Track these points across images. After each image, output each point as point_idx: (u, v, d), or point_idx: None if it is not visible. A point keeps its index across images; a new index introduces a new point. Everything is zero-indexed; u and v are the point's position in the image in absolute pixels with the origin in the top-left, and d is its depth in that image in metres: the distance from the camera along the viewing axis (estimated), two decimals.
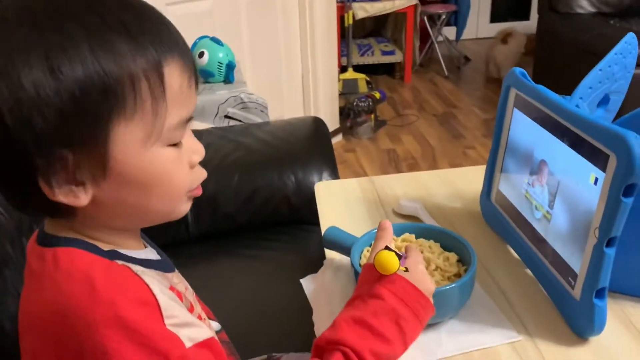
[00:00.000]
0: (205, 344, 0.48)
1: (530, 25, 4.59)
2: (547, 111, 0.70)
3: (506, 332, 0.67)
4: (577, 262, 0.64)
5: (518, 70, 0.79)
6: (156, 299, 0.47)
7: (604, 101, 0.76)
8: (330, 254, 0.84)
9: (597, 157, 0.61)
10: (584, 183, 0.63)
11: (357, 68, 3.70)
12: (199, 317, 0.59)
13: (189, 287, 0.63)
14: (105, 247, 0.51)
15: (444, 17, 4.05)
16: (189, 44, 1.75)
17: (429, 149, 2.97)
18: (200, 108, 1.61)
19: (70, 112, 0.43)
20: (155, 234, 1.39)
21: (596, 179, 0.61)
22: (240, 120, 1.64)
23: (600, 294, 0.62)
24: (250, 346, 0.98)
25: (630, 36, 0.75)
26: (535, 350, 0.64)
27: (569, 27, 2.85)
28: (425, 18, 4.03)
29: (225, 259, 1.32)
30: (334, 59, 2.89)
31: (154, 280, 0.48)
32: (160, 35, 0.48)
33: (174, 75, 0.48)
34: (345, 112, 3.12)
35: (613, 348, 0.64)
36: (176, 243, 1.39)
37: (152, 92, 0.46)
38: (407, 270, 0.60)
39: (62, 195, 0.46)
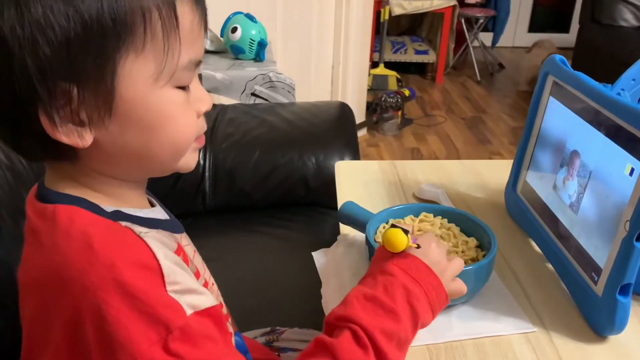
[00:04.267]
0: (206, 312, 0.46)
1: (568, 38, 4.51)
2: (585, 99, 0.67)
3: (520, 322, 0.64)
4: (603, 257, 0.61)
5: (558, 57, 0.75)
6: (159, 263, 0.44)
7: None
8: (344, 230, 0.82)
9: (635, 147, 0.57)
10: (618, 173, 0.60)
11: (389, 65, 3.66)
12: (205, 284, 0.56)
13: (197, 251, 0.60)
14: (109, 206, 0.48)
15: (481, 21, 3.99)
16: (223, 18, 1.75)
17: (453, 151, 2.93)
18: (228, 83, 1.60)
19: (77, 40, 0.41)
20: (173, 204, 1.38)
21: (632, 170, 0.58)
22: (266, 99, 1.63)
23: (624, 290, 0.59)
24: (255, 318, 0.97)
25: None
26: (550, 344, 0.61)
27: (610, 39, 2.78)
28: (463, 20, 3.98)
29: (239, 234, 1.30)
30: (366, 53, 2.86)
31: (157, 243, 0.46)
32: None
33: (185, 11, 0.46)
34: (372, 107, 3.09)
35: (632, 350, 0.61)
36: (193, 214, 1.38)
37: (164, 26, 0.44)
38: (419, 247, 0.57)
39: (64, 135, 0.44)
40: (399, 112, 3.08)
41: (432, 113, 3.42)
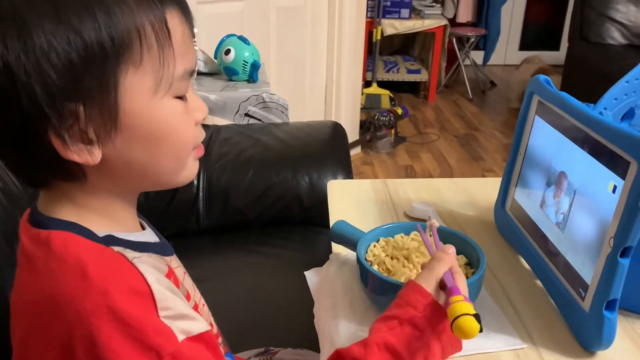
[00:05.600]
0: (199, 338, 0.46)
1: (559, 55, 4.57)
2: (569, 118, 0.69)
3: (510, 339, 0.65)
4: (589, 273, 0.62)
5: (542, 77, 0.77)
6: (151, 289, 0.45)
7: (629, 115, 0.75)
8: (336, 249, 0.82)
9: (617, 164, 0.59)
10: (601, 191, 0.61)
11: (382, 84, 3.70)
12: (195, 306, 0.57)
13: (187, 273, 0.60)
14: (102, 230, 0.49)
15: (472, 40, 4.05)
16: (217, 41, 1.78)
17: (447, 168, 2.95)
18: (222, 104, 1.62)
19: (80, 62, 0.43)
20: (168, 224, 1.40)
21: (615, 187, 0.59)
22: (260, 120, 1.64)
23: (610, 305, 0.60)
24: (248, 338, 0.97)
25: None
26: (539, 359, 0.62)
27: (599, 57, 2.83)
28: (454, 40, 4.03)
29: (232, 253, 1.31)
30: (359, 73, 2.90)
31: (149, 268, 0.47)
32: None
33: (175, 23, 0.48)
34: (365, 126, 3.11)
35: None
36: (186, 234, 1.39)
37: (158, 40, 0.47)
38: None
39: (76, 154, 0.46)
40: (392, 131, 3.10)
41: (425, 131, 3.44)
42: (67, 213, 0.49)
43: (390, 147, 3.11)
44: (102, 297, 0.43)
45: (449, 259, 0.60)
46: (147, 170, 0.50)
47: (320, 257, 1.35)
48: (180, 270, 0.57)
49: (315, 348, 0.92)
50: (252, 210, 1.39)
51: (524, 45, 4.93)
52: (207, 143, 1.45)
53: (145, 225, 0.58)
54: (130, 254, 0.47)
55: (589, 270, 0.63)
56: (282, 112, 1.65)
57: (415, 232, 0.74)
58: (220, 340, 0.63)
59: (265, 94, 1.63)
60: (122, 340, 0.42)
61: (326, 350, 0.67)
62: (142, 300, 0.44)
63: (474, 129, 3.51)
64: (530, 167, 0.80)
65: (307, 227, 1.40)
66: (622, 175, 0.58)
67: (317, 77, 2.70)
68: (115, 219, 0.52)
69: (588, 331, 0.62)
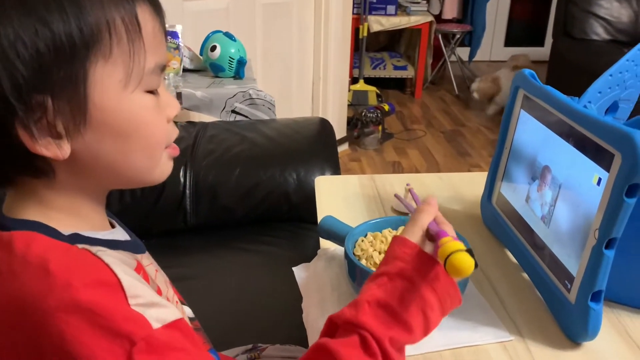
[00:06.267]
0: (175, 325, 0.45)
1: (543, 51, 4.62)
2: (554, 112, 0.69)
3: (498, 331, 0.65)
4: (575, 265, 0.63)
5: (527, 71, 0.78)
6: (118, 279, 0.44)
7: (613, 108, 0.75)
8: (324, 244, 0.82)
9: (601, 157, 0.59)
10: (586, 184, 0.62)
11: (368, 81, 3.70)
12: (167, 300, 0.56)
13: (160, 270, 0.59)
14: (68, 230, 0.48)
15: (458, 36, 4.06)
16: (202, 37, 1.77)
17: (434, 164, 2.96)
18: (208, 101, 1.61)
19: (48, 53, 0.43)
20: (154, 223, 1.39)
21: (599, 180, 0.60)
22: (246, 116, 1.64)
23: (596, 297, 0.60)
24: (236, 336, 0.97)
25: None
26: (526, 352, 0.63)
27: (582, 52, 2.85)
28: (440, 36, 4.05)
29: (220, 251, 1.31)
30: (346, 69, 2.90)
31: (116, 260, 0.46)
32: None
33: (146, 18, 0.48)
34: (353, 122, 3.12)
35: (606, 355, 0.62)
36: (173, 232, 1.38)
37: (128, 33, 0.46)
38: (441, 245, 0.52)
39: (44, 147, 0.45)
40: (380, 127, 3.11)
41: (412, 127, 3.46)
42: (31, 213, 0.48)
43: (378, 144, 3.12)
44: (65, 292, 0.42)
45: (432, 210, 0.58)
46: (116, 166, 0.49)
47: (309, 254, 1.35)
48: (152, 268, 0.56)
49: (304, 344, 0.92)
50: (240, 207, 1.38)
51: (509, 42, 4.96)
52: (194, 140, 1.44)
53: (116, 224, 0.57)
54: (95, 248, 0.47)
55: (574, 263, 0.63)
56: (269, 109, 1.64)
57: (403, 227, 0.74)
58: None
59: (251, 90, 1.63)
60: (91, 332, 0.41)
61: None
62: (109, 290, 0.43)
63: (460, 125, 3.53)
64: (515, 162, 0.80)
65: (295, 224, 1.39)
66: (607, 167, 0.58)
67: (304, 74, 2.70)
68: (82, 217, 0.51)
69: (574, 322, 0.63)
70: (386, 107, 3.14)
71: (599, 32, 2.91)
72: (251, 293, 1.13)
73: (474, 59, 4.37)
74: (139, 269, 0.51)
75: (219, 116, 1.63)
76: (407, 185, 0.70)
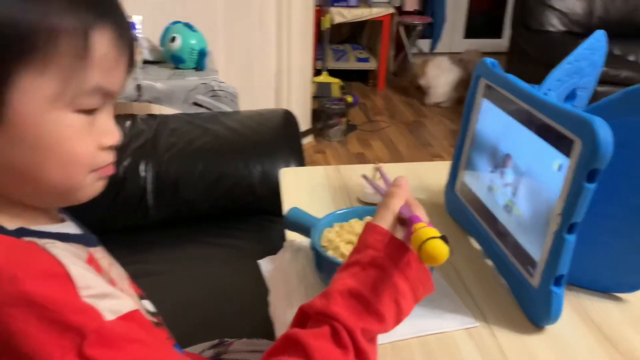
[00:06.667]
0: (130, 317, 0.44)
1: (501, 43, 4.72)
2: (515, 100, 0.70)
3: (463, 318, 0.66)
4: (538, 251, 0.64)
5: (489, 60, 0.79)
6: (66, 270, 0.42)
7: (571, 97, 0.77)
8: (290, 236, 0.82)
9: (562, 143, 0.61)
10: (548, 170, 0.63)
11: (332, 73, 3.69)
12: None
13: (115, 264, 0.57)
14: (12, 225, 0.46)
15: (419, 28, 4.10)
16: (162, 28, 1.72)
17: (397, 155, 2.99)
18: (169, 93, 1.58)
19: None
20: (115, 219, 1.35)
21: (560, 166, 0.61)
22: (209, 108, 1.61)
23: (558, 281, 0.61)
24: (202, 331, 0.95)
25: (599, 33, 0.76)
26: (491, 337, 0.64)
27: (539, 43, 2.92)
28: (402, 28, 4.07)
29: (184, 246, 1.28)
30: (309, 61, 2.88)
31: (65, 252, 0.44)
32: (102, 2, 0.46)
33: (102, 42, 0.45)
34: (317, 114, 3.11)
35: (569, 338, 0.63)
36: (135, 228, 1.35)
37: (72, 52, 0.43)
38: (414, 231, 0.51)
39: None
40: (343, 119, 3.11)
41: (375, 119, 3.47)
42: None
43: (342, 136, 3.12)
44: (11, 285, 0.40)
45: (403, 192, 0.56)
46: (30, 177, 0.46)
47: (275, 246, 1.34)
48: (105, 261, 0.54)
49: (271, 337, 0.91)
50: (204, 201, 1.36)
51: (469, 34, 5.03)
52: (154, 134, 1.41)
53: (66, 218, 0.55)
54: (42, 241, 0.45)
55: (537, 249, 0.64)
56: (232, 101, 1.62)
57: (369, 217, 0.74)
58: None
59: (214, 82, 1.60)
60: (39, 324, 0.39)
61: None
62: (57, 282, 0.41)
63: (422, 116, 3.56)
64: (478, 150, 0.81)
65: (260, 217, 1.38)
66: (567, 153, 0.59)
67: (266, 66, 2.67)
68: (28, 213, 0.49)
69: (537, 307, 0.64)
70: (350, 99, 3.15)
71: (555, 23, 2.98)
72: (216, 287, 1.11)
73: (435, 51, 4.42)
74: (91, 261, 0.49)
75: (181, 108, 1.59)
76: (376, 164, 0.69)
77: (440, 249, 0.47)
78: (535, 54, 2.80)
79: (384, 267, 0.52)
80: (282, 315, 0.69)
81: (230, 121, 1.47)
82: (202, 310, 1.03)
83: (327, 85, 3.57)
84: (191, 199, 1.35)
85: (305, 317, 0.51)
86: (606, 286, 0.70)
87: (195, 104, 1.60)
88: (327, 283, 0.68)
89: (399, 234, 0.54)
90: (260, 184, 1.37)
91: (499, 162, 0.74)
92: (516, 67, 3.10)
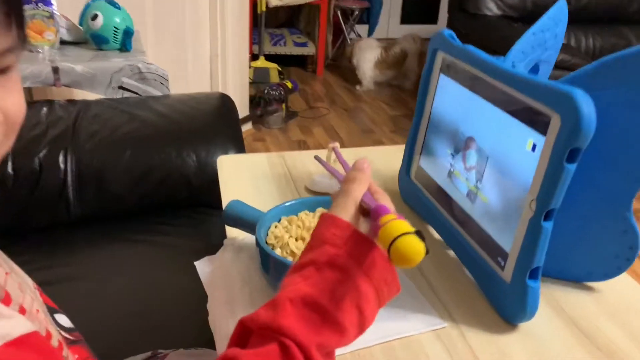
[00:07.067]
0: (21, 341, 0.35)
1: (437, 29, 4.74)
2: (479, 74, 0.63)
3: (429, 318, 0.59)
4: (509, 241, 0.58)
5: (446, 31, 0.72)
6: None
7: (534, 70, 0.71)
8: (231, 233, 0.72)
9: (536, 120, 0.54)
10: (519, 151, 0.57)
11: (269, 58, 3.58)
12: (22, 311, 0.43)
13: (16, 273, 0.47)
14: None
15: (357, 12, 4.04)
16: (81, 5, 1.56)
17: (339, 141, 2.91)
18: (91, 76, 1.42)
19: None
20: (32, 216, 1.20)
21: (534, 145, 0.54)
22: (136, 92, 1.47)
23: (533, 274, 0.55)
24: (132, 343, 0.84)
25: (562, 3, 0.70)
26: (461, 338, 0.57)
27: (478, 27, 2.92)
28: (339, 12, 4.00)
29: (111, 245, 1.15)
30: (245, 45, 2.75)
31: None
32: None
33: None
34: (255, 101, 2.99)
35: (544, 335, 0.58)
36: (55, 225, 1.21)
37: None
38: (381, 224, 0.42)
39: None
40: (283, 105, 3.01)
41: (315, 105, 3.39)
42: None
43: (282, 122, 3.02)
44: None
45: (365, 177, 0.47)
46: None
47: (215, 243, 1.23)
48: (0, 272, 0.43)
49: (211, 345, 0.82)
50: (132, 195, 1.23)
51: (405, 19, 5.03)
52: (74, 121, 1.26)
53: None
54: None
55: (507, 238, 0.58)
56: (162, 84, 1.49)
57: (322, 209, 0.66)
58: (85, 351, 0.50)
59: (141, 63, 1.46)
60: None
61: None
62: None
63: (362, 102, 3.51)
64: (435, 133, 0.74)
65: (197, 211, 1.27)
66: (543, 131, 0.53)
67: (200, 49, 2.52)
68: None
69: (510, 303, 0.58)
70: (289, 85, 3.05)
71: (491, 7, 2.99)
72: (149, 292, 1.00)
73: (373, 37, 4.38)
74: None
75: (104, 93, 1.45)
76: (331, 143, 0.61)
77: (416, 247, 0.39)
78: (474, 38, 2.79)
79: (345, 268, 0.42)
80: (224, 326, 0.59)
81: (160, 106, 1.34)
82: (132, 319, 0.92)
83: (264, 70, 3.45)
84: (118, 193, 1.22)
85: (246, 333, 0.42)
86: (577, 275, 0.65)
87: (121, 87, 1.46)
88: (275, 287, 0.60)
89: (362, 227, 0.45)
90: (196, 175, 1.26)
91: (461, 144, 0.67)
92: None
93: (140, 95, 1.47)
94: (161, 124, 1.29)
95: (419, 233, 0.40)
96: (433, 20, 5.00)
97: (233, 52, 2.63)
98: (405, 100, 3.53)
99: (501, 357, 0.55)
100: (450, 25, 3.27)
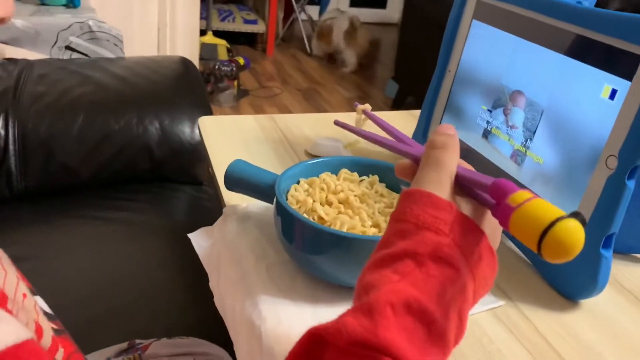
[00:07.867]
0: (15, 353, 0.26)
1: (386, 14, 4.74)
2: (533, 16, 0.55)
3: (485, 297, 0.50)
4: (572, 205, 0.50)
5: None
6: None
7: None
8: (230, 199, 0.61)
9: (616, 62, 0.46)
10: (590, 100, 0.49)
11: (217, 34, 3.40)
12: (4, 301, 0.32)
13: (5, 257, 0.35)
14: None
15: None
16: None
17: None
18: (34, 33, 1.25)
19: None
20: None
21: (613, 92, 0.47)
22: (86, 54, 1.30)
23: (607, 242, 0.48)
24: (102, 332, 0.72)
25: None
26: (521, 316, 0.49)
27: (436, 6, 2.88)
28: None
29: (64, 223, 1.00)
30: (196, 18, 2.58)
31: None
32: None
33: None
34: (205, 77, 2.82)
35: (608, 312, 0.51)
36: None
37: None
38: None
39: None
40: (235, 82, 2.86)
41: (267, 84, 3.26)
42: None
43: (234, 101, 2.87)
44: None
45: (457, 143, 0.36)
46: None
47: (181, 219, 1.11)
48: None
49: (195, 333, 0.70)
50: (86, 166, 1.08)
51: (355, 2, 4.96)
52: (16, 81, 1.09)
53: None
54: None
55: (570, 202, 0.50)
56: (116, 45, 1.33)
57: (346, 170, 0.56)
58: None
59: (92, 21, 1.29)
60: None
61: (243, 341, 0.47)
62: None
63: (315, 83, 3.41)
64: (465, 88, 0.66)
65: (160, 185, 1.13)
66: (626, 74, 0.45)
67: (147, 18, 2.33)
68: None
69: (576, 277, 0.50)
70: (241, 61, 2.90)
71: None
72: (111, 274, 0.86)
73: (323, 18, 4.27)
74: None
75: (49, 53, 1.27)
76: (357, 104, 0.51)
77: (580, 237, 0.28)
78: (432, 16, 2.75)
79: (454, 263, 0.32)
80: (238, 308, 0.48)
81: (116, 68, 1.19)
82: (99, 305, 0.78)
83: (212, 46, 3.28)
84: (69, 164, 1.07)
85: (320, 345, 0.30)
86: (630, 246, 0.58)
87: (69, 47, 1.29)
88: (303, 261, 0.49)
89: (464, 209, 0.34)
90: (159, 145, 1.12)
91: (503, 99, 0.59)
92: (413, 35, 3.05)
93: (90, 57, 1.31)
94: (118, 88, 1.14)
95: (578, 215, 0.29)
96: (382, 4, 4.96)
97: (182, 26, 2.46)
98: (357, 82, 3.46)
99: (569, 335, 0.47)
100: (406, 6, 3.22)
